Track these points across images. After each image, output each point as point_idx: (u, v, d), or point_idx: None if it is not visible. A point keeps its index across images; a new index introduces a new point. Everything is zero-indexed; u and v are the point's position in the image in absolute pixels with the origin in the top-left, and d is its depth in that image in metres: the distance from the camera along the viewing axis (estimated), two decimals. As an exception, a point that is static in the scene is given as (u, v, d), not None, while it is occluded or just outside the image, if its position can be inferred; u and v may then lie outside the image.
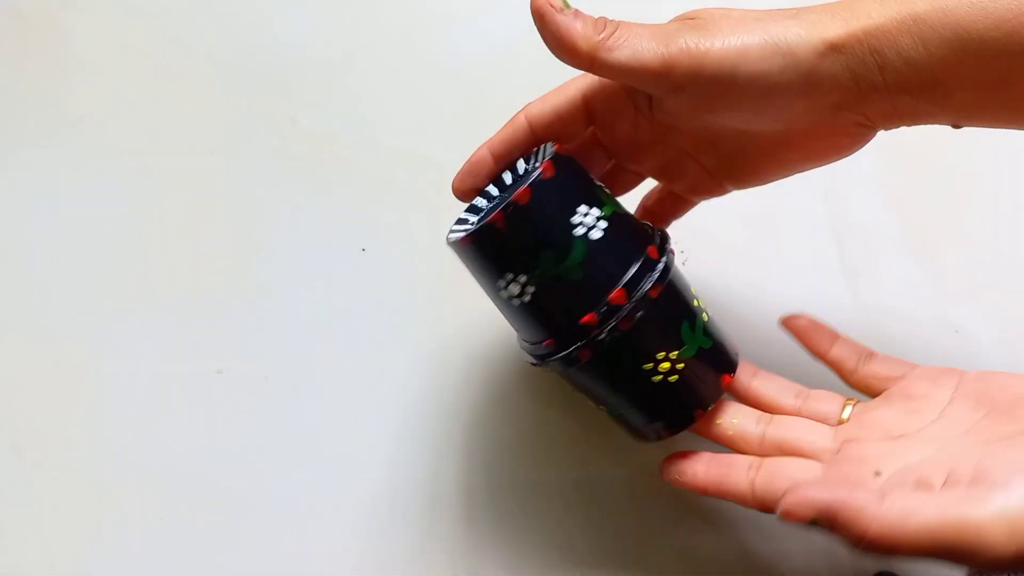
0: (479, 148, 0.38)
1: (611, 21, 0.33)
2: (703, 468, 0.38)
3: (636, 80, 0.33)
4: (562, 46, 0.32)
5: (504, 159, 0.38)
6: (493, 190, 0.39)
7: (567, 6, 0.33)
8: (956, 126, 0.34)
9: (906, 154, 0.50)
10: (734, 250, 0.48)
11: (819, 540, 0.46)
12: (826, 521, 0.29)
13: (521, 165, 0.39)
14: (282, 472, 0.47)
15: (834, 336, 0.40)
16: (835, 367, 0.40)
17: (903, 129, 0.50)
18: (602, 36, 0.32)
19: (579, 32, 0.32)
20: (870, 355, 0.39)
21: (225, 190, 0.50)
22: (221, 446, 0.48)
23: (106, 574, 0.47)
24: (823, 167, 0.50)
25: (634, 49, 0.32)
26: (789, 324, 0.41)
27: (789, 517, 0.30)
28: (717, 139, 0.37)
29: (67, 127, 0.50)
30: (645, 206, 0.44)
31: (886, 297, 0.47)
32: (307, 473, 0.47)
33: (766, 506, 0.35)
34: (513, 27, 0.51)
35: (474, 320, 0.49)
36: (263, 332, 0.49)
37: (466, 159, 0.38)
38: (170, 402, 0.48)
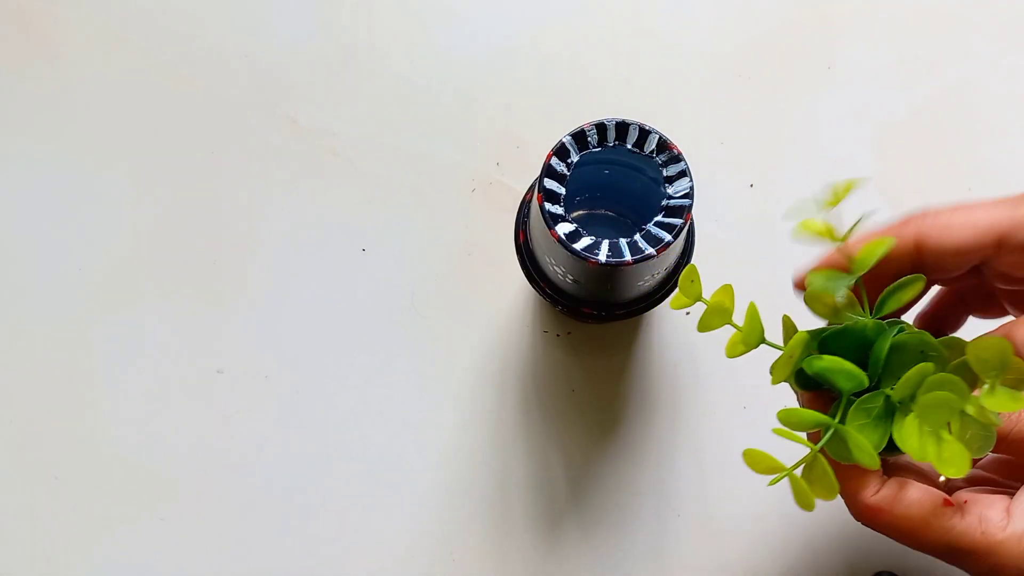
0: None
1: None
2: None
3: None
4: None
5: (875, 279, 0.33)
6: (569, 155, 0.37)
7: None
8: None
9: (906, 153, 0.50)
10: (732, 249, 0.49)
11: (817, 544, 0.46)
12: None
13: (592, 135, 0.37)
14: (281, 472, 0.47)
15: None
16: None
17: (902, 128, 0.50)
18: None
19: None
20: None
21: (225, 190, 0.50)
22: (221, 446, 0.48)
23: (105, 573, 0.47)
24: (820, 166, 0.50)
25: None
26: None
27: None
28: None
29: (66, 127, 0.50)
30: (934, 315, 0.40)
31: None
32: (306, 472, 0.47)
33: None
34: (512, 27, 0.51)
35: (474, 320, 0.49)
36: (263, 332, 0.49)
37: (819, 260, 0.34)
38: (170, 402, 0.48)
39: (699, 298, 0.33)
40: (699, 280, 0.33)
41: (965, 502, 0.31)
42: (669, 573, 0.47)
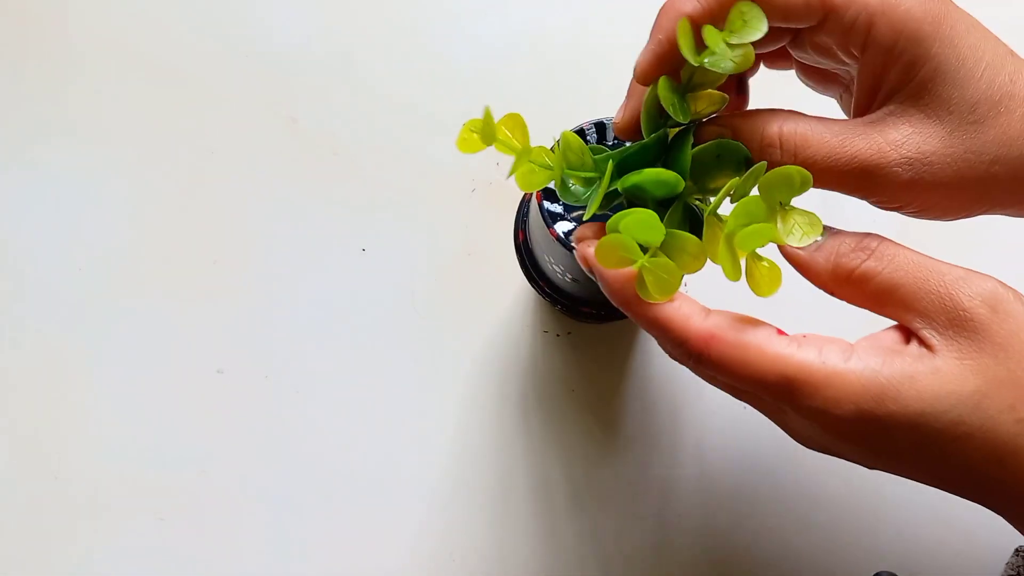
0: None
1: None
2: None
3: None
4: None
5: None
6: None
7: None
8: None
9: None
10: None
11: (817, 545, 0.46)
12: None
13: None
14: (281, 472, 0.47)
15: None
16: None
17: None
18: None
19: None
20: None
21: (225, 190, 0.50)
22: (221, 446, 0.48)
23: (105, 573, 0.47)
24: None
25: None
26: None
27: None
28: None
29: (66, 127, 0.50)
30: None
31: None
32: (306, 473, 0.47)
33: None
34: (513, 27, 0.51)
35: (474, 320, 0.49)
36: (263, 332, 0.49)
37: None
38: (170, 402, 0.48)
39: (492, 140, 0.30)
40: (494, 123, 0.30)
41: (803, 336, 0.29)
42: (669, 573, 0.46)
